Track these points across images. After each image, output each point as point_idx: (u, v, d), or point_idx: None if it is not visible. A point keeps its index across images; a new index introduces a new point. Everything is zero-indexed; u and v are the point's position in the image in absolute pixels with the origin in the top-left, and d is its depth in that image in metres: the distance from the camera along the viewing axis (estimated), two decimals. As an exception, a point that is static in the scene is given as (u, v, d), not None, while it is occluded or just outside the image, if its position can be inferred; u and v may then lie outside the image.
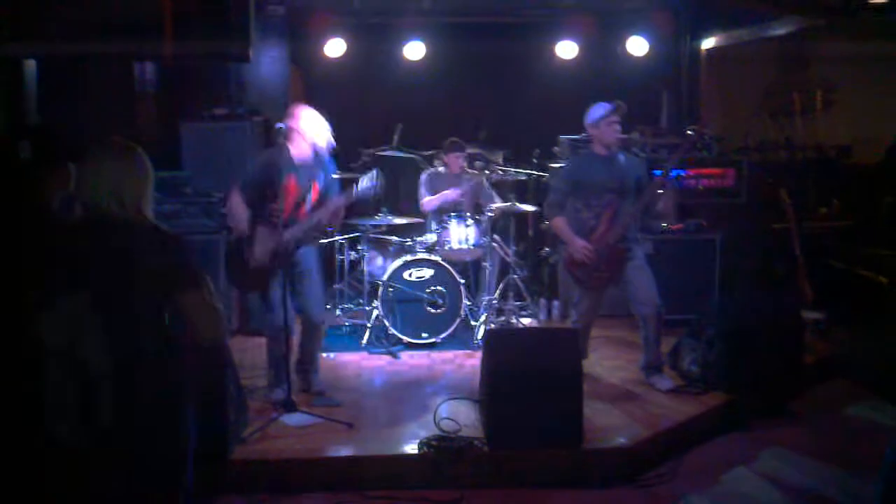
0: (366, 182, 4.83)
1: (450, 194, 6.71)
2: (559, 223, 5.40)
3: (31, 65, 6.45)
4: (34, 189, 3.18)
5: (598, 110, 5.33)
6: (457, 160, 6.89)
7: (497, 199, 6.90)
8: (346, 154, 4.99)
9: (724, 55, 8.18)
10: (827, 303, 6.67)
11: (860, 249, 6.91)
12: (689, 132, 5.58)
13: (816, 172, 7.55)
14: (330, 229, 6.83)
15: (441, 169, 7.05)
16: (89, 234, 2.73)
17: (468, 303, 6.43)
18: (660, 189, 5.35)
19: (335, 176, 5.07)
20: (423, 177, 7.01)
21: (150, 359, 2.68)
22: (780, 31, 7.35)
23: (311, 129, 4.90)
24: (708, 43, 8.13)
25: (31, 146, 3.16)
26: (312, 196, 4.93)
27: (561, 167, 6.47)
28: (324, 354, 5.77)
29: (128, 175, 2.79)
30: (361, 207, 6.85)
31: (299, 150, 4.90)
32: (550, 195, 5.53)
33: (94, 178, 2.77)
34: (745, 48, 7.91)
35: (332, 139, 4.96)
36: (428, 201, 6.88)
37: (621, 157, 5.41)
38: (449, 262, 6.33)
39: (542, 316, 7.03)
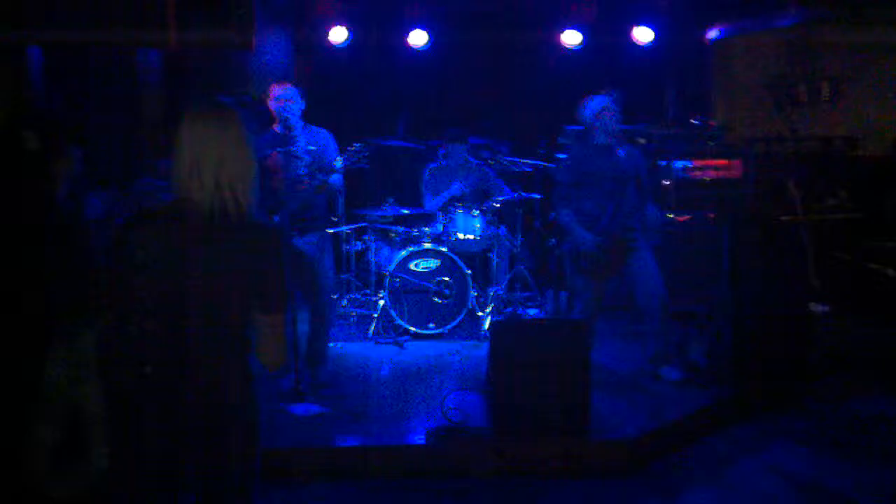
0: (349, 153, 4.84)
1: (454, 190, 6.63)
2: (565, 215, 5.41)
3: (34, 53, 6.42)
4: (43, 181, 3.13)
5: (598, 101, 5.34)
6: (460, 151, 6.85)
7: (505, 188, 6.86)
8: (350, 142, 4.95)
9: (730, 45, 8.14)
10: (834, 295, 6.65)
11: (868, 241, 6.89)
12: (693, 122, 5.57)
13: (823, 164, 7.51)
14: (335, 219, 6.83)
15: (443, 162, 6.98)
16: (158, 230, 2.27)
17: (475, 293, 6.42)
18: (665, 180, 5.34)
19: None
20: (425, 174, 6.95)
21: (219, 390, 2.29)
22: (786, 21, 7.31)
23: (271, 106, 4.91)
24: (714, 33, 8.09)
25: (38, 136, 3.11)
26: (304, 164, 4.90)
27: (565, 160, 6.45)
28: (330, 344, 5.75)
29: (227, 149, 2.27)
30: (367, 194, 6.87)
31: (279, 127, 4.92)
32: (557, 188, 5.53)
33: (182, 153, 2.27)
34: (751, 38, 7.87)
35: (290, 111, 4.86)
36: (432, 202, 6.81)
37: (621, 150, 5.40)
38: (455, 253, 6.32)
39: (548, 307, 7.02)
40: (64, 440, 2.42)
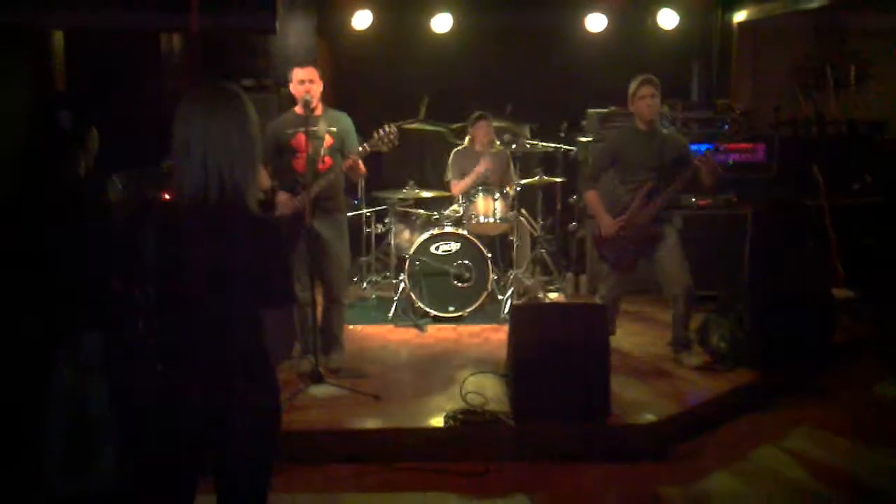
0: (378, 134, 4.82)
1: (479, 169, 6.60)
2: (592, 197, 5.34)
3: (58, 36, 6.47)
4: (74, 160, 3.16)
5: (631, 85, 5.21)
6: (484, 133, 6.84)
7: (515, 175, 6.84)
8: (371, 125, 4.95)
9: (756, 28, 8.04)
10: (858, 280, 6.59)
11: (893, 226, 6.80)
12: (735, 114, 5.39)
13: (849, 148, 7.42)
14: (356, 202, 6.84)
15: (467, 145, 6.97)
16: (162, 220, 2.23)
17: (495, 277, 6.41)
18: (709, 170, 5.12)
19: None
20: (450, 158, 6.95)
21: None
22: (813, 3, 7.21)
23: (294, 89, 4.93)
24: (740, 16, 8.00)
25: (72, 116, 3.14)
26: (325, 145, 4.91)
27: (600, 140, 6.39)
28: (350, 326, 5.76)
29: (220, 132, 2.19)
30: (387, 176, 6.85)
31: (301, 109, 4.89)
32: (588, 167, 5.43)
33: (176, 134, 2.20)
34: (777, 21, 7.77)
35: (311, 93, 4.83)
36: (458, 186, 6.76)
37: (664, 134, 5.25)
38: (476, 236, 6.31)
39: (569, 290, 7.00)
40: (72, 443, 2.43)
